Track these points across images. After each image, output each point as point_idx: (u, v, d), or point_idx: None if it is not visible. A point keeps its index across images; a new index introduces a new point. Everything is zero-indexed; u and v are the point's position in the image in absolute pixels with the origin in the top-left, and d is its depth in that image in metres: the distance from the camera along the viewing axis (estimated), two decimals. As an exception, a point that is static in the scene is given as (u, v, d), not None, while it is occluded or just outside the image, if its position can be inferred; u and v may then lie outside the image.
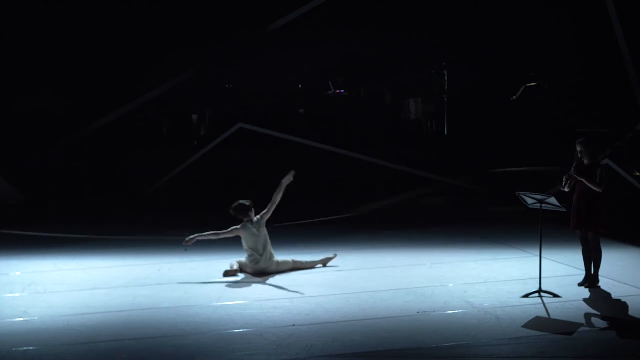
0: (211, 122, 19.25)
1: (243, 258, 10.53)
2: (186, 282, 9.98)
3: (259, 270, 10.32)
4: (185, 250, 11.76)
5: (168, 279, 10.21)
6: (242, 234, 10.40)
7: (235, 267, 10.39)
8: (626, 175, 15.01)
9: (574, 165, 9.38)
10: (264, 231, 10.40)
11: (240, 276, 10.28)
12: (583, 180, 9.21)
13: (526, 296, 9.09)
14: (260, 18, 17.54)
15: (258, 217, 10.45)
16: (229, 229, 10.43)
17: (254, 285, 9.88)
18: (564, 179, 9.38)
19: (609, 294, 9.26)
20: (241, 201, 10.45)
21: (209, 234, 10.41)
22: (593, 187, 9.18)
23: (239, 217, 10.43)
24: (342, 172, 17.13)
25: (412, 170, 17.33)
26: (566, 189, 9.37)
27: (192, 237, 10.30)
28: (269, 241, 10.42)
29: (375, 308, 8.78)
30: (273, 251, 10.47)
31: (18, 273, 10.55)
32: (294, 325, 8.17)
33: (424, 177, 17.24)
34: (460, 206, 15.57)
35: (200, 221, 13.13)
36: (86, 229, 13.38)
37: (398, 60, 19.26)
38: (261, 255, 10.31)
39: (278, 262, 10.43)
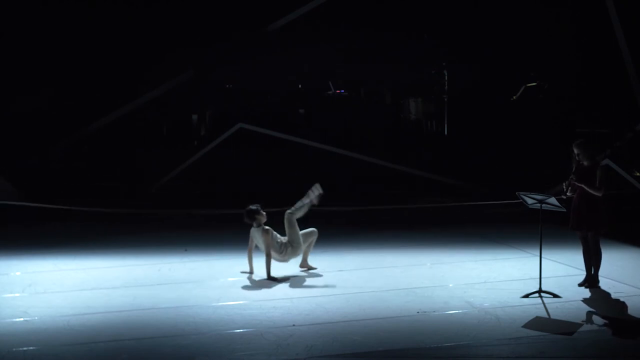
0: (211, 122, 19.25)
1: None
2: (186, 282, 9.98)
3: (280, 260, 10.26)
4: (185, 250, 11.77)
5: (168, 279, 10.20)
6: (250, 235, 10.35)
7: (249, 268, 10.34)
8: (626, 175, 15.01)
9: (574, 169, 9.38)
10: (260, 240, 10.11)
11: (243, 275, 10.26)
12: (583, 185, 9.22)
13: (526, 296, 9.09)
14: (260, 18, 17.54)
15: (266, 227, 10.11)
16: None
17: (254, 285, 9.88)
18: (564, 186, 9.39)
19: (608, 294, 9.26)
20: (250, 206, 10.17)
21: (267, 262, 10.09)
22: (593, 192, 9.19)
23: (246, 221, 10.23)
24: (342, 172, 17.11)
25: (412, 170, 17.32)
26: (568, 193, 9.39)
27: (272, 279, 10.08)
28: (265, 249, 10.11)
29: (375, 308, 8.78)
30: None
31: (18, 273, 10.54)
32: (294, 325, 8.17)
33: (424, 177, 17.22)
34: (460, 207, 15.55)
35: (199, 220, 13.13)
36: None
37: (398, 60, 19.25)
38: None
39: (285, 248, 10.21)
